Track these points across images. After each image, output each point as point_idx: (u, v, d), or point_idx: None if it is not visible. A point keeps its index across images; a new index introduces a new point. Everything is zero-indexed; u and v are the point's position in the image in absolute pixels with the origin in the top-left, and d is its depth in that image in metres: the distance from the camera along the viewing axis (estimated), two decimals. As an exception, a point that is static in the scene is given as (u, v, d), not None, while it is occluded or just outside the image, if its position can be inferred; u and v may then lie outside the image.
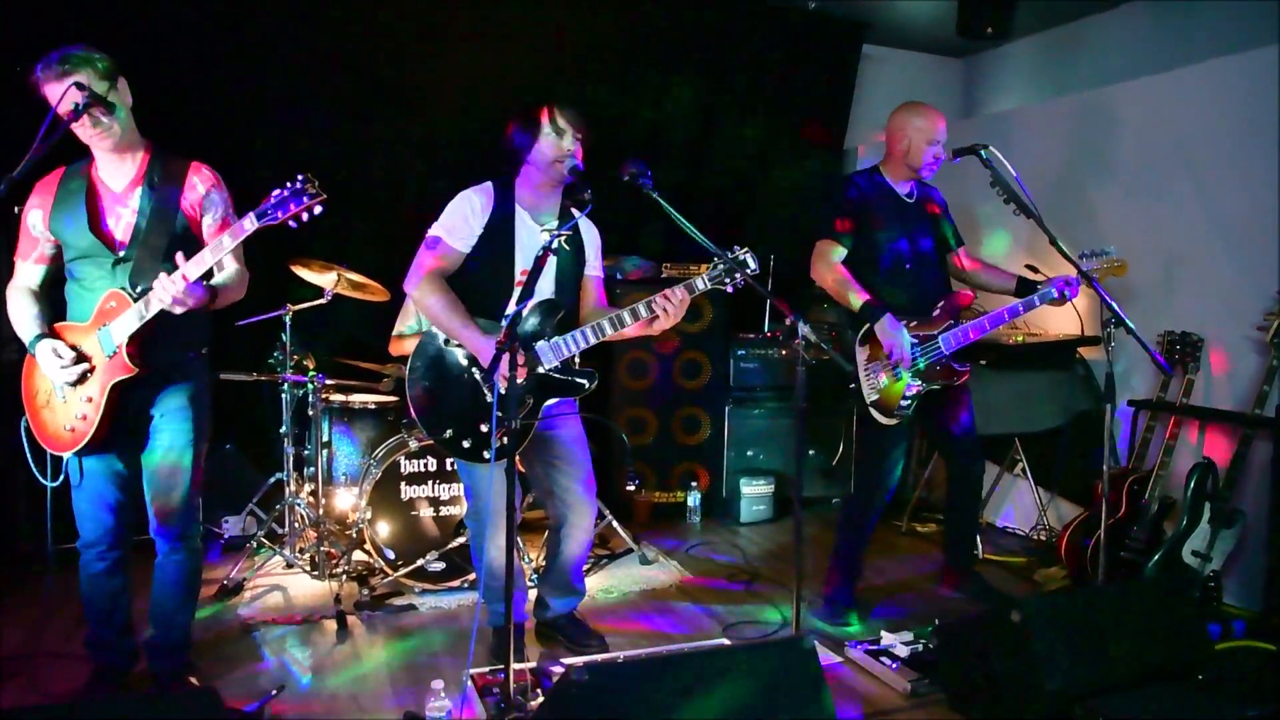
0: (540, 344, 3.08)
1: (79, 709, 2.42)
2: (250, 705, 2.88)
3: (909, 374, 3.60)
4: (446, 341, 3.14)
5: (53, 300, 2.93)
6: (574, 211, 3.18)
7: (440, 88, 5.06)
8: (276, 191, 2.67)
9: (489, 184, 3.20)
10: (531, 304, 3.06)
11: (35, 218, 2.84)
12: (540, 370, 3.08)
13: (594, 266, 3.38)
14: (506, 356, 2.56)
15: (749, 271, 3.04)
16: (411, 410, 3.15)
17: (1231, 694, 3.03)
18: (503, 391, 2.62)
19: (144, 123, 2.87)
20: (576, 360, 3.17)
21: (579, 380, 3.16)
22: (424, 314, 3.15)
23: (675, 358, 5.41)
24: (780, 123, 6.09)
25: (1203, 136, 4.25)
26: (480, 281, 3.14)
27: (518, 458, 3.08)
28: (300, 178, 2.66)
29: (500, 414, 2.58)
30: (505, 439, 2.57)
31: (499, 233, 3.14)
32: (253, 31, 4.65)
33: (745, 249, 3.06)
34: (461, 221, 3.13)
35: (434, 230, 3.16)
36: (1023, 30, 6.01)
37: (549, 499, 3.40)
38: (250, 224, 2.67)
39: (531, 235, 3.16)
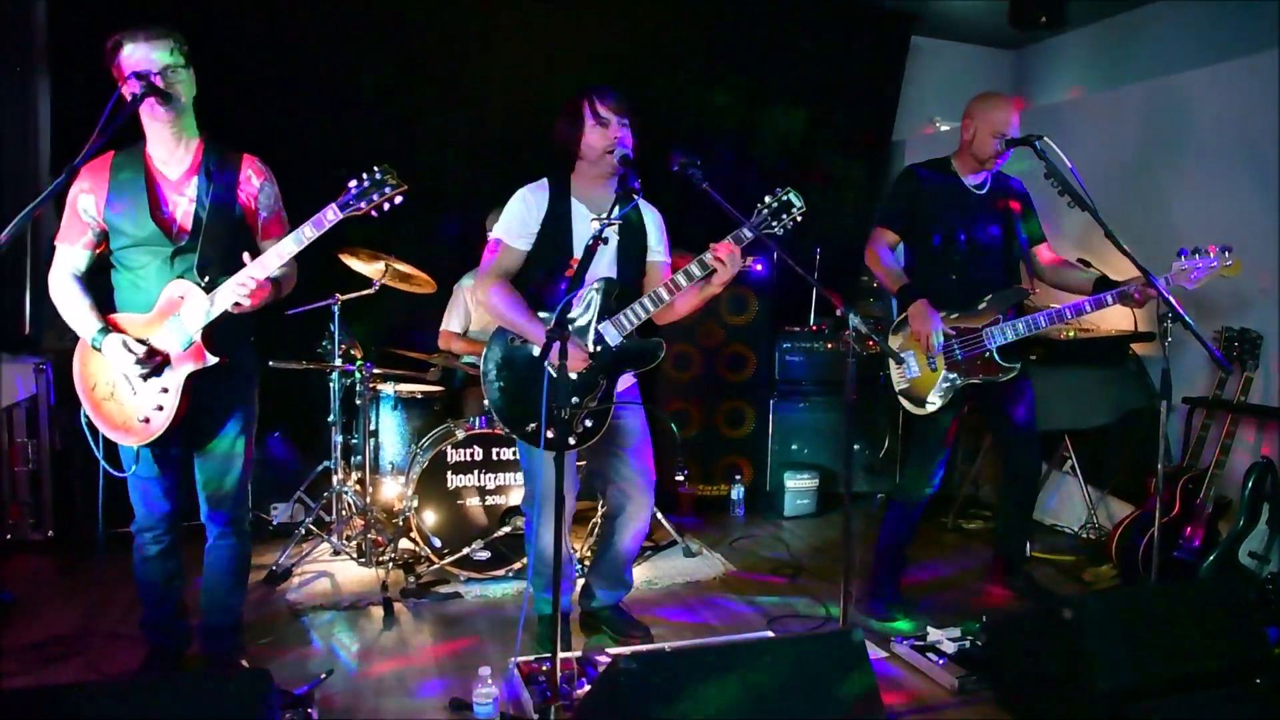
0: (603, 323, 3.10)
1: (135, 687, 2.46)
2: (300, 688, 2.92)
3: (944, 366, 3.56)
4: (513, 338, 3.17)
5: (94, 289, 2.92)
6: (626, 200, 3.19)
7: (488, 80, 5.09)
8: (354, 182, 2.71)
9: (545, 180, 3.23)
10: (587, 288, 3.09)
11: (87, 202, 2.79)
12: (612, 346, 3.11)
13: (658, 251, 3.36)
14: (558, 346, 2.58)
15: (796, 210, 3.00)
16: (493, 412, 3.19)
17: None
18: (554, 376, 2.62)
19: (197, 115, 2.89)
20: (637, 333, 3.17)
21: (646, 350, 3.18)
22: (490, 314, 3.22)
23: (720, 351, 5.40)
24: (827, 115, 6.04)
25: (1264, 128, 4.15)
26: (541, 275, 3.18)
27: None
28: (378, 169, 2.71)
29: (554, 403, 2.60)
30: (577, 425, 2.70)
31: (556, 226, 3.17)
32: (301, 24, 4.69)
33: (788, 189, 3.02)
34: (518, 221, 3.18)
35: (494, 232, 3.22)
36: (1076, 21, 5.90)
37: (608, 486, 3.41)
38: (333, 215, 2.71)
39: (588, 227, 3.17)
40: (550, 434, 3.07)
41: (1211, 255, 3.34)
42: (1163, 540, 3.72)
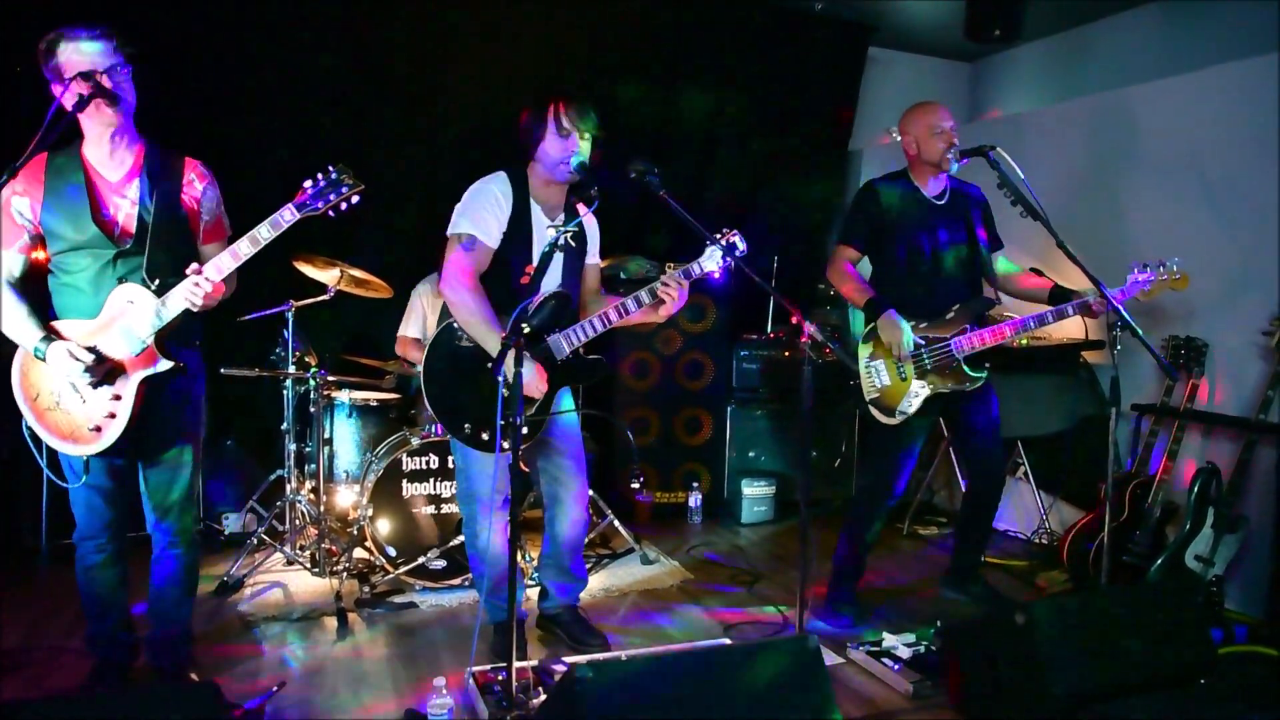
0: (553, 336, 3.11)
1: (80, 703, 2.41)
2: (251, 702, 2.87)
3: (914, 375, 3.59)
4: (460, 337, 3.14)
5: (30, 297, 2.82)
6: (580, 209, 3.23)
7: (447, 85, 5.07)
8: (310, 183, 2.66)
9: (503, 174, 3.19)
10: (542, 297, 3.05)
11: (22, 205, 2.72)
12: (557, 360, 3.13)
13: (592, 255, 3.42)
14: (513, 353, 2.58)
15: (737, 254, 3.11)
16: (429, 407, 3.17)
17: (1234, 699, 3.02)
18: (508, 387, 2.62)
19: (145, 116, 2.83)
20: (582, 349, 3.22)
21: (588, 368, 3.22)
22: (457, 314, 3.09)
23: (678, 358, 5.41)
24: (785, 124, 6.08)
25: (1211, 141, 4.25)
26: (499, 273, 3.15)
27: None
28: (334, 168, 2.66)
29: (508, 410, 2.60)
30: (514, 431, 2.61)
31: (517, 225, 3.16)
32: (259, 27, 4.64)
33: (734, 231, 3.16)
34: (491, 218, 3.12)
35: (464, 229, 3.10)
36: (1031, 34, 6.00)
37: (541, 476, 3.43)
38: (290, 215, 2.66)
39: (544, 228, 3.17)
40: (485, 437, 3.13)
41: (1162, 268, 3.46)
42: (1113, 545, 3.78)
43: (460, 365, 3.15)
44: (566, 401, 3.38)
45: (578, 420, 3.43)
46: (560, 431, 3.36)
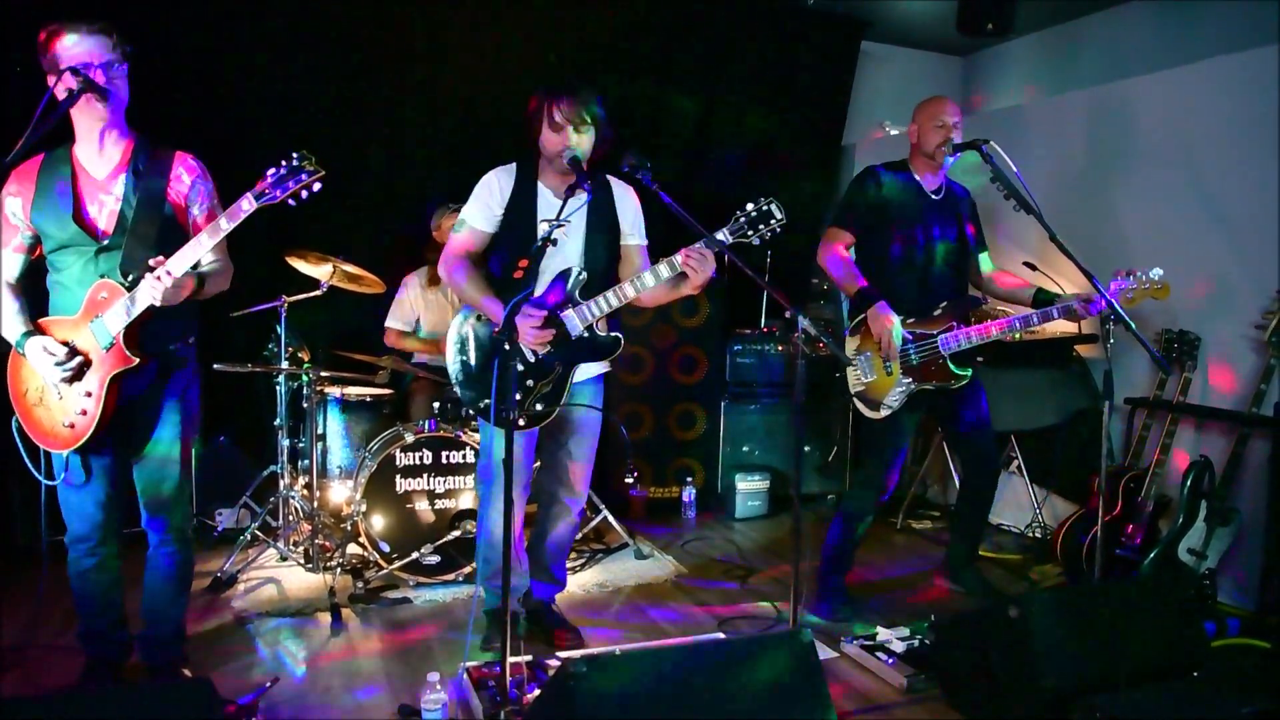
0: (566, 312, 3.11)
1: (73, 701, 2.40)
2: (244, 698, 2.86)
3: (900, 370, 3.58)
4: (478, 317, 3.22)
5: (32, 295, 2.84)
6: (614, 185, 3.29)
7: (439, 79, 5.05)
8: (272, 170, 2.61)
9: (514, 164, 3.26)
10: (550, 277, 3.12)
11: (15, 205, 2.73)
12: (571, 337, 3.13)
13: (633, 235, 3.35)
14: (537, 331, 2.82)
15: (775, 221, 2.97)
16: (454, 384, 3.26)
17: (1227, 691, 3.02)
18: (504, 370, 2.63)
19: (137, 110, 2.82)
20: (599, 325, 3.18)
21: (605, 344, 3.21)
22: (452, 290, 3.41)
23: (672, 353, 5.41)
24: (778, 119, 6.08)
25: (1203, 134, 4.25)
26: (510, 257, 3.17)
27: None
28: (296, 155, 2.62)
29: (504, 395, 2.62)
30: (528, 407, 2.81)
31: (522, 210, 3.19)
32: (250, 20, 4.61)
33: (770, 199, 2.98)
34: (481, 203, 3.22)
35: (461, 214, 3.27)
36: (1023, 28, 6.00)
37: (545, 472, 3.43)
38: (248, 205, 2.61)
39: (554, 212, 3.16)
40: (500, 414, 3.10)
41: (1144, 277, 3.46)
42: (1106, 538, 3.79)
43: (478, 342, 3.22)
44: (595, 394, 3.37)
45: (599, 422, 3.39)
46: (579, 427, 3.35)
